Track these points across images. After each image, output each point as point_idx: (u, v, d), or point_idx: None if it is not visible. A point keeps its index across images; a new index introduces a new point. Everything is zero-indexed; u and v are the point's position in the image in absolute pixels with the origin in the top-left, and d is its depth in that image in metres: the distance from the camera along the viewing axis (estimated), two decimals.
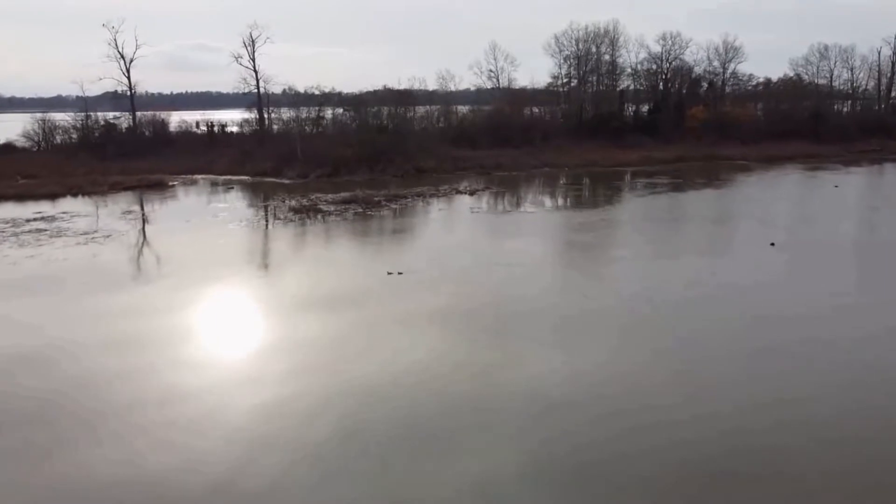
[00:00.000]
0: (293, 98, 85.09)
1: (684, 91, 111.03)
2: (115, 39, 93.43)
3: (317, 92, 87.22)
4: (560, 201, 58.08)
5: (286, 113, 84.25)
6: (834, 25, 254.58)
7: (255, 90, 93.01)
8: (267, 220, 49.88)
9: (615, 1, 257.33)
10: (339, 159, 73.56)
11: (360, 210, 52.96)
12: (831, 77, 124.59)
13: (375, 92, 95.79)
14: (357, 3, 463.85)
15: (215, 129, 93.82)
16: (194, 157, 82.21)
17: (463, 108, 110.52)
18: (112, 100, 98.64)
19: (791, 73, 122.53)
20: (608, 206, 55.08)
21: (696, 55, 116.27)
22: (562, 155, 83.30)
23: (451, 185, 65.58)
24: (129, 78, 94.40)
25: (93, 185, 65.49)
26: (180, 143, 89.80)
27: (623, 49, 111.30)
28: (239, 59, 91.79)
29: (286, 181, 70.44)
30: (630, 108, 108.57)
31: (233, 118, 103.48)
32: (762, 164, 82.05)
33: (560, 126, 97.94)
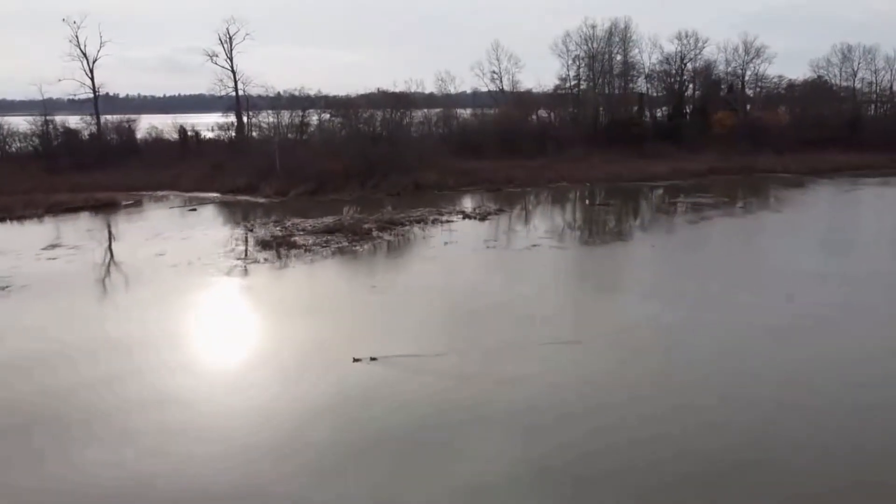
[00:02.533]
0: (274, 101, 73.07)
1: (703, 94, 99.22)
2: (76, 37, 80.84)
3: (299, 94, 74.97)
4: (594, 229, 46.08)
5: (266, 119, 72.10)
6: (850, 28, 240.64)
7: (233, 92, 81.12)
8: (221, 264, 37.90)
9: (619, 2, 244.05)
10: (324, 174, 61.60)
11: (346, 243, 41.12)
12: (854, 79, 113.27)
13: (368, 95, 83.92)
14: (349, 4, 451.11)
15: (189, 135, 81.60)
16: (162, 168, 70.18)
17: (464, 112, 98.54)
18: (77, 103, 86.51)
19: (812, 75, 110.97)
20: (658, 238, 43.19)
21: (715, 56, 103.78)
22: (580, 166, 71.41)
23: (457, 206, 53.75)
24: (92, 79, 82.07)
25: (27, 207, 53.40)
26: (149, 152, 77.67)
27: (635, 49, 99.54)
28: (214, 58, 79.73)
29: (261, 200, 58.47)
30: (648, 113, 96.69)
31: (218, 121, 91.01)
32: (807, 176, 70.31)
33: (574, 132, 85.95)
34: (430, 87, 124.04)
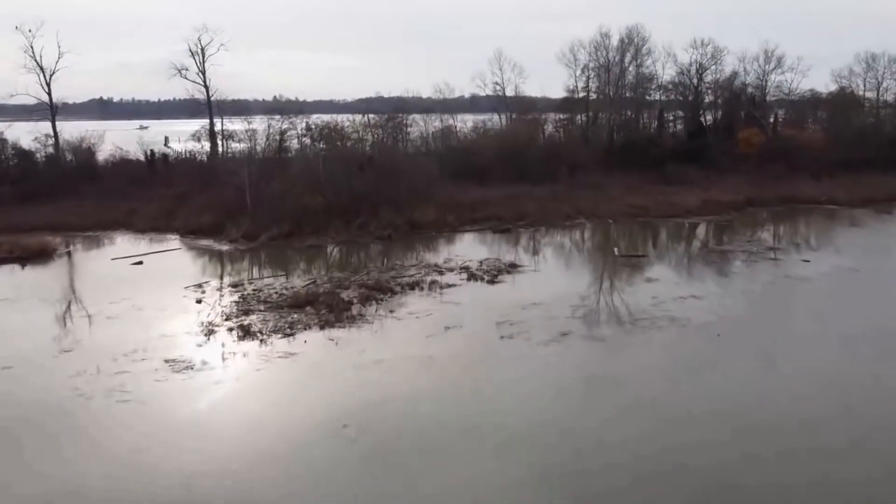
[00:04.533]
0: (256, 108, 62.37)
1: (726, 109, 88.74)
2: (31, 47, 69.78)
3: (286, 100, 64.45)
4: (638, 305, 35.35)
5: (240, 142, 61.38)
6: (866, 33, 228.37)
7: (207, 108, 70.45)
8: (139, 371, 27.38)
9: (626, 5, 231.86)
10: (302, 211, 51.02)
11: (316, 327, 30.63)
12: (878, 90, 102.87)
13: (367, 100, 73.59)
14: (344, 9, 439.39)
15: (157, 156, 70.75)
16: (121, 198, 59.61)
17: (464, 125, 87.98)
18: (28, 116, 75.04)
19: (833, 86, 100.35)
20: (729, 323, 32.72)
21: (733, 66, 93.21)
22: (598, 197, 60.82)
23: (459, 257, 43.21)
24: (49, 94, 71.12)
25: None
26: (110, 176, 66.91)
27: (647, 58, 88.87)
28: (184, 72, 69.04)
29: (225, 247, 47.84)
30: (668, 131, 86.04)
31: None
32: (862, 208, 59.90)
33: (586, 153, 75.29)
34: (427, 96, 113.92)
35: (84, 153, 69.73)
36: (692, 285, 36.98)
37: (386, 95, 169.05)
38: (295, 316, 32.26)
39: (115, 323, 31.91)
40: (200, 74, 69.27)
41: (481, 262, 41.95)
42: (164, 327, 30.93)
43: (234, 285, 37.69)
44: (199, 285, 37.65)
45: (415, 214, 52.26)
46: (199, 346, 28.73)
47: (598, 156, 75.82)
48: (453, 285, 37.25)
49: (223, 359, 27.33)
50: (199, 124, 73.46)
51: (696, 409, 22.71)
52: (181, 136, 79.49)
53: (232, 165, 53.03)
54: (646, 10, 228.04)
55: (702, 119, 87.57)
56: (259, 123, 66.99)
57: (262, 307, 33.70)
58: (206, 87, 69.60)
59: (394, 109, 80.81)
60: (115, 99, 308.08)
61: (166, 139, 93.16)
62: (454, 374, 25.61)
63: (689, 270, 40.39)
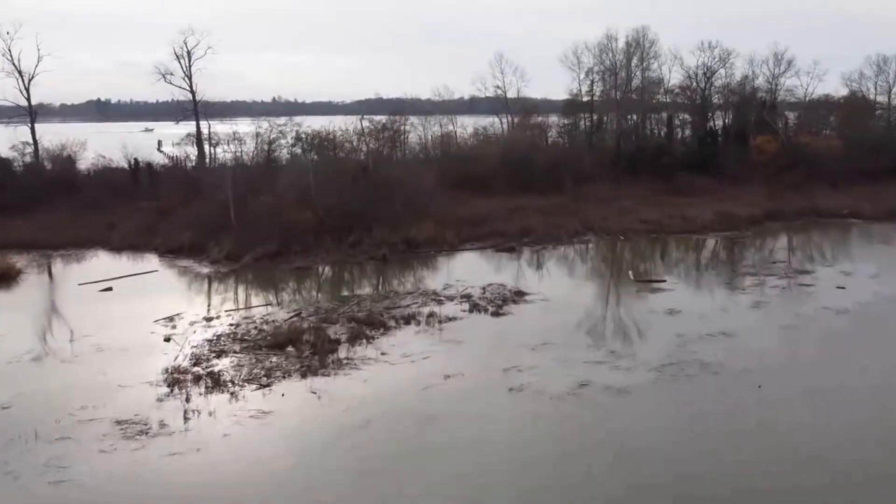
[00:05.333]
0: (236, 134, 58.13)
1: (738, 114, 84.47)
2: (9, 50, 65.45)
3: (280, 99, 60.26)
4: (665, 333, 31.06)
5: (224, 154, 57.17)
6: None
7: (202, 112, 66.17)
8: (83, 436, 23.22)
9: (627, 6, 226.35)
10: (290, 228, 46.81)
11: (296, 375, 26.47)
12: (889, 93, 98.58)
13: (367, 101, 69.60)
14: (342, 9, 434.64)
15: (141, 166, 66.39)
16: (100, 211, 55.41)
17: (464, 130, 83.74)
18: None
19: (845, 90, 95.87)
20: (773, 375, 28.59)
21: (743, 69, 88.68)
22: (607, 210, 56.67)
23: (461, 282, 38.97)
24: (28, 99, 66.88)
25: None
26: (90, 187, 62.46)
27: (654, 62, 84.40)
28: (168, 77, 64.81)
29: (205, 269, 43.61)
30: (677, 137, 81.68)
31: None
32: (889, 223, 55.70)
33: (592, 161, 71.01)
34: (426, 97, 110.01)
35: (64, 162, 65.50)
36: (720, 319, 32.73)
37: (385, 97, 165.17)
38: (274, 359, 28.07)
39: (69, 369, 27.70)
40: (186, 79, 64.91)
41: (484, 289, 37.74)
42: (124, 374, 26.70)
43: (209, 319, 33.44)
44: (171, 318, 33.39)
45: (412, 231, 48.01)
46: (160, 400, 24.51)
47: (604, 164, 71.61)
48: (454, 318, 33.03)
49: (185, 419, 23.12)
50: (213, 125, 69.29)
51: (744, 485, 18.61)
52: (181, 140, 75.07)
53: (215, 178, 48.64)
54: (648, 12, 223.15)
55: (710, 125, 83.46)
56: (250, 126, 62.81)
57: (237, 347, 29.51)
58: (193, 92, 65.28)
59: (392, 112, 76.85)
60: (114, 101, 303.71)
61: (159, 143, 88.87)
62: (456, 441, 21.42)
63: (714, 299, 36.14)
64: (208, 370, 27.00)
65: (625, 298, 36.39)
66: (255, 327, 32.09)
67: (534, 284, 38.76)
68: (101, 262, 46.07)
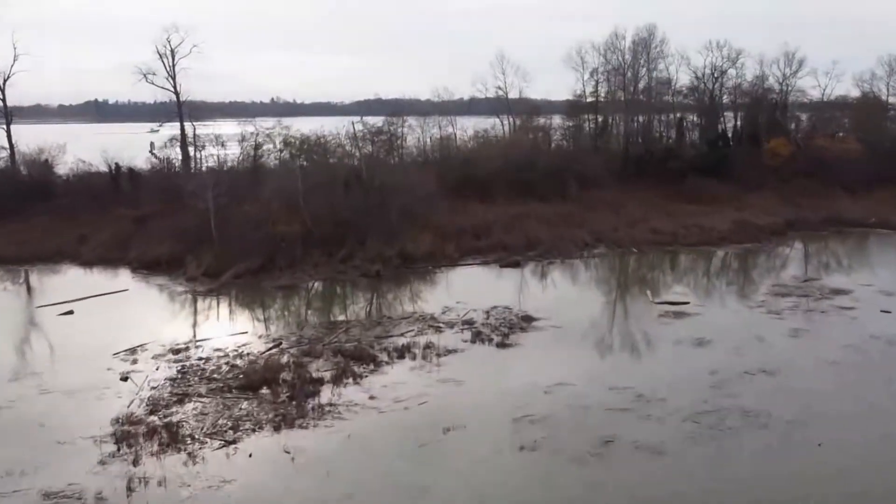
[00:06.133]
0: (219, 139, 53.70)
1: (749, 115, 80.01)
2: None
3: (279, 99, 56.09)
4: (697, 371, 26.74)
5: (209, 158, 52.75)
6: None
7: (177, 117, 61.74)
8: None
9: (631, 6, 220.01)
10: (276, 243, 42.49)
11: (267, 428, 22.14)
12: None
13: (366, 102, 65.35)
14: (342, 9, 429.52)
15: (122, 171, 61.84)
16: (75, 221, 51.00)
17: (464, 132, 79.27)
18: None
19: (855, 91, 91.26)
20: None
21: (753, 69, 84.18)
22: (617, 219, 52.34)
23: (462, 304, 34.59)
24: (3, 100, 62.36)
25: None
26: (68, 195, 57.83)
27: (661, 62, 79.79)
28: (150, 77, 60.40)
29: (181, 288, 39.23)
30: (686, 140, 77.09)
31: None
32: None
33: (598, 165, 66.55)
34: (425, 101, 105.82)
35: (40, 167, 61.00)
36: (757, 351, 28.41)
37: (384, 98, 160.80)
38: (244, 405, 23.75)
39: (2, 418, 23.35)
40: (170, 79, 60.47)
41: (488, 313, 33.40)
42: (66, 425, 22.37)
43: (176, 351, 29.06)
44: (133, 350, 29.06)
45: (408, 245, 43.71)
46: (103, 463, 20.17)
47: (611, 168, 67.20)
48: (454, 350, 28.68)
49: (129, 489, 18.76)
50: (213, 126, 64.83)
51: None
52: (165, 143, 70.44)
53: (195, 185, 44.21)
54: (649, 12, 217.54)
55: (721, 127, 79.09)
56: (237, 128, 58.37)
57: (204, 389, 25.18)
58: (177, 93, 60.87)
59: (391, 112, 72.58)
60: (112, 101, 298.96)
61: (152, 146, 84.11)
62: None
63: (746, 326, 31.73)
64: (166, 420, 22.66)
65: (646, 325, 31.97)
66: (228, 362, 27.74)
67: (542, 306, 34.31)
68: (69, 280, 41.68)
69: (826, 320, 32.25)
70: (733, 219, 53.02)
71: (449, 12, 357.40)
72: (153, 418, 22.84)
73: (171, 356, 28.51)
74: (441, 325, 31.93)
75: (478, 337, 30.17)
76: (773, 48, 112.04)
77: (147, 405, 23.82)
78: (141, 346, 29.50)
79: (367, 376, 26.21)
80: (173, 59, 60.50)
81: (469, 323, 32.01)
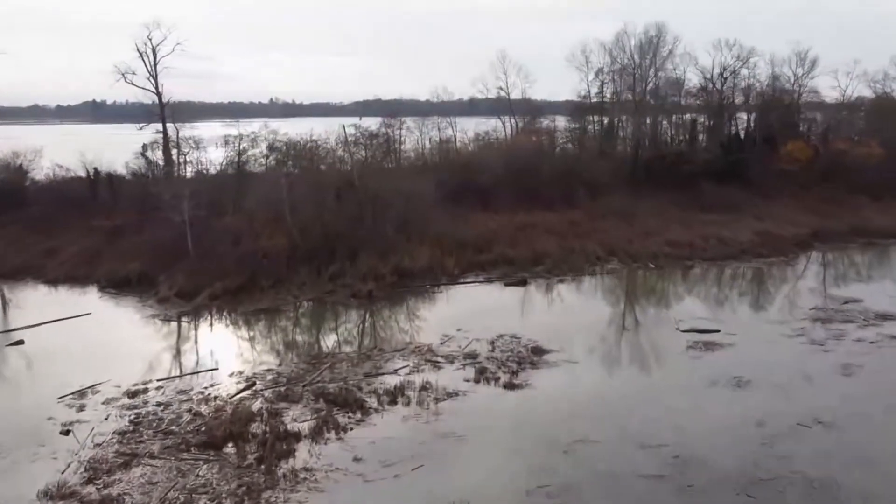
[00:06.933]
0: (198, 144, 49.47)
1: (761, 117, 75.76)
2: None
3: (277, 100, 52.22)
4: (740, 422, 22.37)
5: (190, 164, 48.51)
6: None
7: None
8: None
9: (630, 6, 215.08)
10: (259, 258, 38.33)
11: (237, 498, 17.97)
12: None
13: (365, 102, 61.32)
14: (341, 9, 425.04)
15: (102, 176, 57.52)
16: (44, 232, 46.83)
17: (464, 134, 75.08)
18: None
19: (869, 92, 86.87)
20: None
21: (765, 69, 79.84)
22: (630, 230, 48.18)
23: (463, 331, 30.47)
24: None
25: None
26: (42, 202, 53.60)
27: (668, 62, 75.47)
28: (129, 77, 56.33)
29: (151, 310, 34.93)
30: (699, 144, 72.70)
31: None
32: None
33: (606, 170, 62.38)
34: (424, 101, 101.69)
35: (13, 173, 56.71)
36: (806, 395, 24.20)
37: (384, 98, 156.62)
38: (203, 470, 19.55)
39: None
40: (151, 79, 56.31)
41: (492, 343, 29.21)
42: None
43: (132, 394, 24.79)
44: (83, 393, 24.83)
45: (404, 260, 39.50)
46: None
47: (620, 173, 63.01)
48: (454, 394, 24.43)
49: None
50: (205, 129, 60.40)
51: None
52: (147, 146, 66.05)
53: (171, 194, 39.90)
54: (650, 12, 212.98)
55: (734, 129, 74.90)
56: (222, 129, 54.16)
57: (157, 446, 20.93)
58: (159, 94, 56.72)
59: (390, 113, 68.58)
60: (109, 101, 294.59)
61: (144, 147, 78.93)
62: None
63: (789, 361, 27.40)
64: (105, 492, 18.48)
65: (675, 360, 27.73)
66: (191, 408, 23.51)
67: (553, 335, 30.03)
68: (29, 300, 37.38)
69: (879, 354, 28.01)
70: (754, 229, 48.88)
71: (449, 12, 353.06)
72: (89, 489, 18.64)
73: (125, 400, 24.25)
74: (440, 359, 27.70)
75: (482, 375, 25.93)
76: (783, 47, 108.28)
77: (86, 470, 19.61)
78: (93, 386, 25.25)
79: (352, 428, 22.00)
80: (155, 58, 56.39)
81: (472, 357, 27.80)
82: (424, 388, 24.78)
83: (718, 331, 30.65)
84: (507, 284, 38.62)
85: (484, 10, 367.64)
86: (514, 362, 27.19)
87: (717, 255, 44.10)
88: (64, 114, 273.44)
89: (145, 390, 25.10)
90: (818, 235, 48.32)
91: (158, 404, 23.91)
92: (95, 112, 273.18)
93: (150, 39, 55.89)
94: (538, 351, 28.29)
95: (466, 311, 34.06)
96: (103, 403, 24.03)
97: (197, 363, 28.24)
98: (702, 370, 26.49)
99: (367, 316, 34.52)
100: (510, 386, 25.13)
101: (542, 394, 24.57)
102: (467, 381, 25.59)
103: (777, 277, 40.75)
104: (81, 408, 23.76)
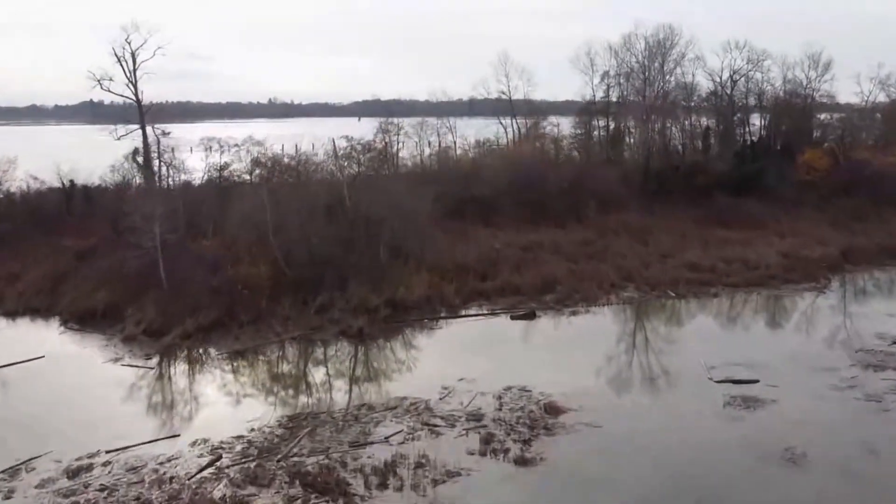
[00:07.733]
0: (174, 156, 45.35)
1: (773, 124, 71.64)
2: None
3: (276, 100, 48.24)
4: None
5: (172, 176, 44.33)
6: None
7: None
8: None
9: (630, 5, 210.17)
10: (238, 289, 34.18)
11: None
12: None
13: (364, 103, 57.40)
14: (341, 9, 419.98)
15: (77, 188, 53.30)
16: (9, 253, 42.81)
17: (465, 140, 70.99)
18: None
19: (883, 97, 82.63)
20: None
21: (778, 73, 75.56)
22: (646, 251, 44.09)
23: (466, 379, 26.45)
24: None
25: None
26: (9, 219, 49.19)
27: (678, 66, 71.14)
28: (105, 83, 52.28)
29: (113, 352, 30.78)
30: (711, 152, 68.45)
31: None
32: None
33: (615, 181, 58.22)
34: (423, 102, 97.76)
35: None
36: (878, 474, 20.07)
37: (383, 98, 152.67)
38: None
39: None
40: (130, 85, 52.19)
41: (500, 399, 25.13)
42: None
43: (74, 472, 20.64)
44: (16, 471, 20.73)
45: (399, 290, 35.34)
46: None
47: (629, 184, 58.87)
48: (456, 474, 20.31)
49: None
50: (202, 130, 56.08)
51: None
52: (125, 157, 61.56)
53: (140, 217, 35.67)
54: (651, 12, 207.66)
55: (748, 137, 70.71)
56: (205, 138, 49.96)
57: None
58: (138, 100, 52.61)
59: (389, 114, 64.77)
60: (107, 101, 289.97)
61: (136, 151, 73.34)
62: None
63: (845, 424, 23.26)
64: None
65: (713, 424, 23.54)
66: (139, 495, 19.40)
67: (570, 386, 25.90)
68: None
69: None
70: (779, 249, 44.73)
71: (449, 13, 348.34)
72: None
73: (63, 482, 20.13)
74: (438, 421, 23.60)
75: (488, 446, 21.81)
76: (795, 49, 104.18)
77: None
78: (29, 461, 21.16)
79: None
80: (134, 63, 52.24)
81: (476, 418, 23.71)
82: (420, 464, 20.69)
83: (757, 381, 26.59)
84: (514, 318, 34.48)
85: (484, 10, 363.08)
86: (525, 426, 23.09)
87: (742, 280, 39.90)
88: (62, 114, 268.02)
89: (90, 466, 20.98)
90: (847, 255, 44.18)
91: (102, 488, 19.79)
92: (94, 112, 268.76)
93: (129, 43, 51.69)
94: (553, 410, 24.16)
95: (468, 352, 30.01)
96: (36, 487, 19.92)
97: (159, 425, 24.16)
98: (745, 436, 22.34)
99: (358, 357, 30.44)
100: (521, 461, 20.99)
101: (560, 470, 20.48)
102: (471, 453, 21.48)
103: (812, 309, 36.57)
104: (9, 494, 19.67)
